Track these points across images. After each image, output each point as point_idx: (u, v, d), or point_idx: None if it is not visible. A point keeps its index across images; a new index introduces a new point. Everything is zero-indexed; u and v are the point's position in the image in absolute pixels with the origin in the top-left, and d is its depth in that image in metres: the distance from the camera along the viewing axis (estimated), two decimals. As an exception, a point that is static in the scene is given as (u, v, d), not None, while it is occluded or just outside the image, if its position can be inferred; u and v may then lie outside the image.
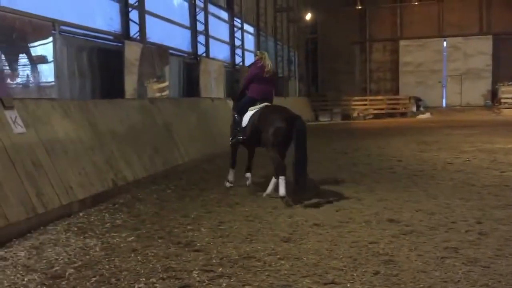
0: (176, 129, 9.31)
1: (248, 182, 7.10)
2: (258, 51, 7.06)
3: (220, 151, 10.96)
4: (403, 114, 28.24)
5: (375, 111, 28.35)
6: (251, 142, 6.64)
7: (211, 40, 14.67)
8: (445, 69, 31.27)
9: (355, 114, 28.12)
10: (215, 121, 11.80)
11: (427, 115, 27.66)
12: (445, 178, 7.73)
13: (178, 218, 5.43)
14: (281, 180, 5.87)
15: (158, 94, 10.59)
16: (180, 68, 12.49)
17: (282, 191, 5.85)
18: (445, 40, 31.10)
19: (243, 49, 18.07)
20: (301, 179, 5.79)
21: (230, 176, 7.11)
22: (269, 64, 6.71)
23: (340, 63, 31.89)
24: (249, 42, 20.00)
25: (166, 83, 11.04)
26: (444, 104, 31.30)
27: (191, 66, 13.10)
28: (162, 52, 10.93)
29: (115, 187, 6.59)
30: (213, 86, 13.93)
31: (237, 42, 17.56)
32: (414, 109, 28.70)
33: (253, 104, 6.63)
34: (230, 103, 13.07)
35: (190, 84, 12.90)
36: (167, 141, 8.79)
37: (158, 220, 5.36)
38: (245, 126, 6.59)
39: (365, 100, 28.98)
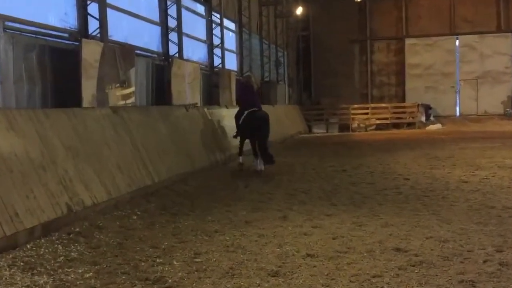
0: (143, 144, 9.29)
1: (257, 166, 11.46)
2: (245, 75, 11.35)
3: (196, 169, 10.94)
4: (410, 125, 28.53)
5: (378, 121, 28.63)
6: (245, 135, 11.78)
7: (185, 38, 14.72)
8: (458, 72, 31.70)
9: (354, 125, 28.37)
10: (191, 134, 11.80)
11: (438, 126, 28.00)
12: (460, 199, 7.83)
13: (145, 249, 5.41)
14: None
15: (122, 102, 10.57)
16: (149, 71, 12.49)
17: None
18: (457, 38, 31.56)
19: (222, 49, 18.15)
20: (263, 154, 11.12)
21: (240, 159, 11.99)
22: (253, 84, 12.15)
23: (336, 65, 32.16)
24: (230, 40, 20.11)
25: (132, 89, 11.02)
26: (457, 113, 31.66)
27: (161, 69, 13.11)
28: (126, 52, 10.93)
29: (70, 213, 6.53)
30: (187, 92, 13.95)
31: (216, 41, 17.64)
32: (423, 118, 29.01)
33: (246, 109, 11.55)
34: (210, 112, 13.21)
35: (161, 90, 12.90)
36: (133, 158, 8.76)
37: (122, 252, 5.34)
38: (240, 124, 11.67)
39: (366, 108, 29.21)
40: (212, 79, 16.81)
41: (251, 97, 11.69)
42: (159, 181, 9.19)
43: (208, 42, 17.31)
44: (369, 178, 10.39)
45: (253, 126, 11.32)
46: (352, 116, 28.67)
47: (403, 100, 31.55)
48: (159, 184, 9.14)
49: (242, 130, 11.69)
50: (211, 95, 16.59)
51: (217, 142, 13.22)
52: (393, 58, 32.50)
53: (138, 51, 11.89)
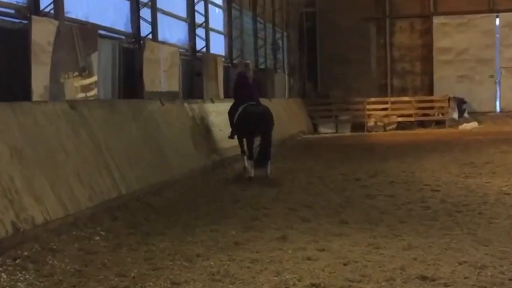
0: (109, 147, 9.25)
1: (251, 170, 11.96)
2: (242, 61, 11.95)
3: (174, 178, 10.92)
4: (439, 123, 28.58)
5: (400, 119, 28.67)
6: (243, 134, 12.33)
7: (160, 16, 14.68)
8: (498, 58, 31.73)
9: (371, 123, 28.40)
10: (168, 134, 11.78)
11: (473, 124, 28.05)
12: (501, 215, 7.84)
13: (110, 278, 5.37)
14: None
15: (81, 95, 10.52)
16: (115, 57, 12.45)
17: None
18: (497, 17, 31.60)
19: (207, 29, 18.12)
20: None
21: (246, 164, 12.34)
22: (250, 73, 12.82)
23: (348, 49, 32.11)
24: (216, 18, 20.08)
25: (94, 79, 10.98)
26: (497, 109, 31.69)
27: (131, 54, 13.06)
28: (87, 33, 10.89)
29: (17, 233, 6.48)
30: (163, 82, 13.91)
31: (199, 19, 17.62)
32: (456, 115, 29.07)
33: (242, 104, 12.10)
34: (192, 107, 13.21)
35: (130, 80, 12.85)
36: (95, 164, 8.72)
37: (81, 281, 5.30)
38: (236, 120, 12.16)
39: (385, 102, 29.25)
40: (194, 66, 16.77)
41: (248, 90, 12.32)
42: (128, 193, 9.16)
43: (189, 21, 17.27)
44: (389, 189, 10.39)
45: (250, 124, 11.87)
46: (368, 113, 28.69)
47: (431, 92, 31.53)
48: (128, 196, 9.11)
49: (238, 129, 12.27)
50: (193, 86, 16.55)
51: (200, 144, 13.21)
52: (418, 41, 32.47)
53: (101, 32, 11.85)
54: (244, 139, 12.42)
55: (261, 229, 7.35)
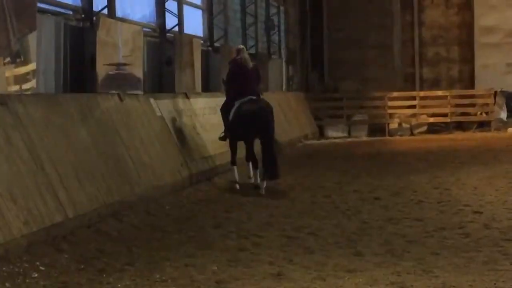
0: (52, 157, 9.23)
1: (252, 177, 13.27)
2: (237, 46, 13.60)
3: (138, 196, 10.90)
4: (483, 125, 28.64)
5: (432, 120, 28.75)
6: (238, 136, 13.09)
7: (119, -15, 14.71)
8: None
9: (394, 125, 28.47)
10: (128, 139, 11.75)
11: (527, 127, 28.12)
12: (562, 244, 7.88)
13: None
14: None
15: (15, 88, 10.52)
16: (60, 38, 12.43)
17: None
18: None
19: (180, 1, 18.16)
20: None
21: (235, 176, 13.22)
22: (247, 59, 13.26)
23: (364, 29, 32.20)
24: (192, -13, 20.13)
25: (32, 67, 10.98)
26: (559, 106, 31.82)
27: (80, 34, 13.04)
28: (22, 7, 10.89)
29: None
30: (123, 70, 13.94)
31: (170, -11, 17.66)
32: (504, 115, 29.07)
33: (238, 99, 12.77)
34: (160, 103, 13.27)
35: (79, 69, 12.85)
36: (33, 180, 8.69)
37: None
38: (231, 119, 12.83)
39: (413, 98, 29.27)
40: (163, 51, 16.77)
41: (245, 82, 12.98)
42: (77, 217, 9.12)
43: (157, -9, 17.29)
44: (417, 211, 10.41)
45: (249, 122, 12.56)
46: (390, 111, 28.73)
47: (472, 85, 31.58)
48: (77, 221, 9.07)
49: (234, 129, 12.88)
50: (161, 77, 16.55)
51: (171, 153, 13.20)
52: (455, 18, 32.57)
53: (42, 5, 11.85)
54: (238, 143, 13.31)
55: (251, 263, 7.36)
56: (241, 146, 13.37)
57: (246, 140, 13.04)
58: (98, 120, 11.15)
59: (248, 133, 12.84)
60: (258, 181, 12.82)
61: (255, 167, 13.12)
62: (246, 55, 13.50)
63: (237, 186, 13.05)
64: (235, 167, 13.28)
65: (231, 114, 12.84)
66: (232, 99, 13.05)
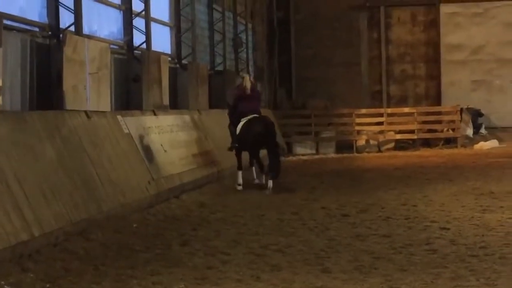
0: (16, 175, 9.14)
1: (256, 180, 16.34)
2: (241, 74, 15.89)
3: (105, 214, 10.83)
4: (449, 142, 28.80)
5: (399, 136, 28.87)
6: (245, 147, 16.02)
7: (86, 2, 14.65)
8: (524, 58, 32.12)
9: (361, 142, 28.55)
10: (95, 157, 11.69)
11: (492, 143, 28.20)
12: (527, 260, 7.93)
13: None
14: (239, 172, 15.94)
15: (-21, 105, 10.43)
16: (26, 55, 12.34)
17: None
18: (523, 4, 32.05)
19: (148, 19, 18.12)
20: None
21: (239, 179, 15.81)
22: (248, 85, 16.21)
23: (332, 46, 32.33)
24: (159, 5, 20.09)
25: (-3, 83, 10.89)
26: (523, 123, 32.01)
27: (46, 51, 12.97)
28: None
29: None
30: (88, 88, 13.86)
31: (138, 6, 17.62)
32: (470, 131, 29.30)
33: (244, 116, 15.73)
34: (126, 120, 13.25)
35: (46, 86, 12.76)
36: (-3, 196, 8.61)
37: None
38: (238, 133, 15.75)
39: (380, 115, 29.35)
40: (131, 68, 16.72)
41: (249, 103, 16.03)
42: (43, 235, 9.04)
43: (125, 8, 17.26)
44: (385, 227, 10.43)
45: (259, 137, 15.46)
46: (358, 128, 28.84)
47: (438, 102, 31.80)
48: (43, 239, 8.99)
49: (243, 141, 15.72)
50: (129, 94, 16.49)
51: (139, 171, 13.14)
52: (421, 36, 32.76)
53: (7, 22, 11.78)
54: (243, 152, 16.21)
55: (218, 281, 7.33)
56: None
57: (254, 151, 16.09)
58: (65, 138, 11.08)
59: (256, 145, 15.83)
60: (264, 181, 15.67)
61: (261, 170, 16.17)
62: (248, 82, 16.36)
63: (240, 187, 15.72)
64: (240, 172, 15.91)
65: (239, 129, 15.72)
66: (239, 116, 15.87)
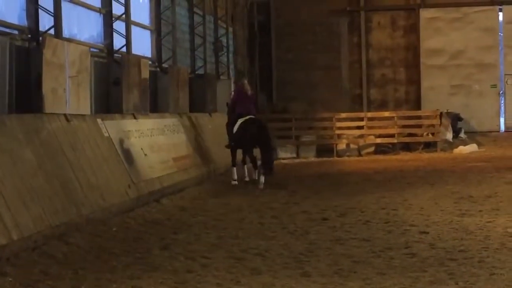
0: (-6, 177, 9.10)
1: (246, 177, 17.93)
2: (241, 79, 18.33)
3: (85, 217, 10.78)
4: (429, 146, 28.84)
5: (379, 140, 28.92)
6: (240, 146, 17.60)
7: (66, 4, 14.58)
8: (502, 63, 32.18)
9: (341, 146, 28.58)
10: (74, 161, 11.64)
11: (472, 148, 28.31)
12: (505, 264, 7.94)
13: None
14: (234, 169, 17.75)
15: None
16: (4, 58, 12.30)
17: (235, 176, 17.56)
18: (501, 10, 32.04)
19: (128, 22, 18.08)
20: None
21: (234, 175, 17.46)
22: (248, 88, 18.34)
23: (312, 50, 32.35)
24: (140, 8, 20.05)
25: (-24, 87, 10.83)
26: (502, 128, 32.05)
27: (25, 54, 12.90)
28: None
29: None
30: (68, 91, 13.79)
31: (118, 9, 17.56)
32: (449, 136, 29.36)
33: (240, 117, 17.28)
34: (106, 124, 13.23)
35: (24, 89, 12.69)
36: (-24, 200, 8.56)
37: None
38: (235, 132, 17.26)
39: (361, 119, 29.37)
40: (111, 71, 16.67)
41: (246, 105, 17.59)
42: (22, 239, 9.01)
43: (105, 11, 17.21)
44: (364, 231, 10.45)
45: (254, 137, 16.80)
46: (338, 132, 28.81)
47: (418, 106, 31.86)
48: (22, 243, 8.96)
49: (238, 140, 17.19)
50: (109, 98, 16.42)
51: (119, 174, 13.10)
52: (401, 40, 32.82)
53: (-14, 25, 11.71)
54: (238, 150, 17.73)
55: (198, 285, 7.32)
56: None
57: (248, 149, 17.45)
58: (44, 141, 11.03)
59: (251, 144, 17.18)
60: (256, 177, 17.04)
61: (254, 167, 17.49)
62: (247, 85, 18.38)
63: (235, 182, 17.27)
64: (234, 168, 17.55)
65: (236, 128, 17.22)
66: (236, 117, 17.43)
